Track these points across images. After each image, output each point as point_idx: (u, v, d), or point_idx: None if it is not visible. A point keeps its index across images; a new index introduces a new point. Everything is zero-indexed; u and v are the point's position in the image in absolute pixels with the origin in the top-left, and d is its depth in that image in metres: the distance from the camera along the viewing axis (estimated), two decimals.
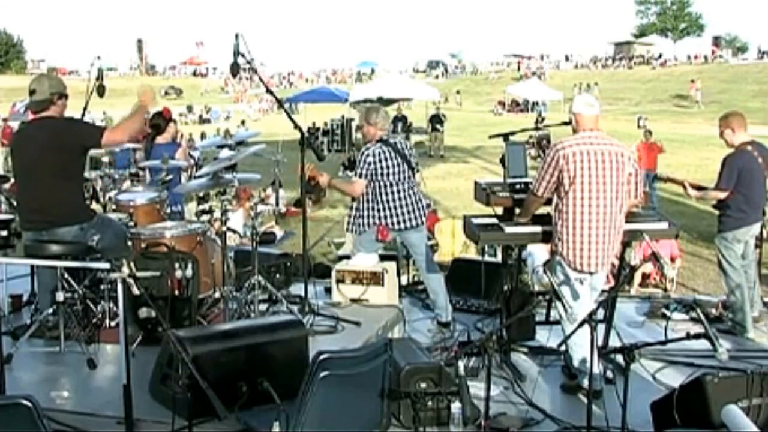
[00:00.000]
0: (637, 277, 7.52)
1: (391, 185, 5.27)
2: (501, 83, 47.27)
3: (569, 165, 4.14)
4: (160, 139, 7.03)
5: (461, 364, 3.36)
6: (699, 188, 5.74)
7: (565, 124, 4.55)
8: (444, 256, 8.39)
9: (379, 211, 5.28)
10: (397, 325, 5.20)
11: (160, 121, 7.11)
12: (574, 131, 4.32)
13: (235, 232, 7.61)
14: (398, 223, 5.31)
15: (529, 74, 50.07)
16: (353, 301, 5.23)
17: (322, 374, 3.10)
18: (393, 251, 6.49)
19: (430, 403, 3.72)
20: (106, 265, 3.49)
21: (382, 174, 5.23)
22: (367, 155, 5.21)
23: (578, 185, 4.13)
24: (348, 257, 5.82)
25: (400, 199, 5.30)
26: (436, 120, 23.31)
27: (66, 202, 4.51)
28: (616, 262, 4.93)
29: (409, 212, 5.33)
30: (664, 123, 28.55)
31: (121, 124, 4.71)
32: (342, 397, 3.24)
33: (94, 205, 5.25)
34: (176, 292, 4.57)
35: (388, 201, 5.28)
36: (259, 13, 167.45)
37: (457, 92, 45.52)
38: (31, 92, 4.57)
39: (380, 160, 5.22)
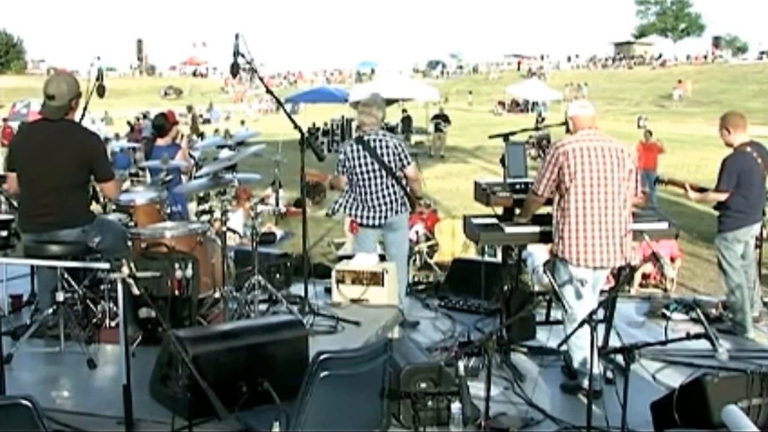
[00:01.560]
0: (637, 277, 7.51)
1: (358, 182, 5.43)
2: (501, 83, 47.26)
3: (569, 161, 4.15)
4: (160, 141, 7.05)
5: (461, 364, 3.36)
6: (700, 190, 5.74)
7: (564, 124, 4.55)
8: (444, 256, 8.40)
9: (351, 204, 5.54)
10: (397, 325, 5.20)
11: (164, 122, 7.13)
12: (573, 134, 4.33)
13: (235, 232, 7.61)
14: (361, 218, 5.49)
15: (530, 74, 50.16)
16: (353, 301, 5.23)
17: (322, 374, 3.10)
18: None
19: (430, 403, 3.73)
20: (106, 266, 3.48)
21: (350, 171, 5.45)
22: (339, 152, 5.55)
23: (579, 180, 4.14)
24: (348, 257, 5.83)
25: (363, 198, 5.44)
26: (440, 120, 23.32)
27: (72, 206, 4.50)
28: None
29: (368, 209, 5.44)
30: (664, 123, 28.53)
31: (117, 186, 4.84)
32: (342, 397, 3.24)
33: (94, 206, 5.24)
34: (176, 292, 4.56)
35: (356, 198, 5.49)
36: (259, 13, 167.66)
37: (469, 92, 45.71)
38: (50, 97, 4.41)
39: (348, 159, 5.44)
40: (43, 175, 4.44)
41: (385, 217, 5.42)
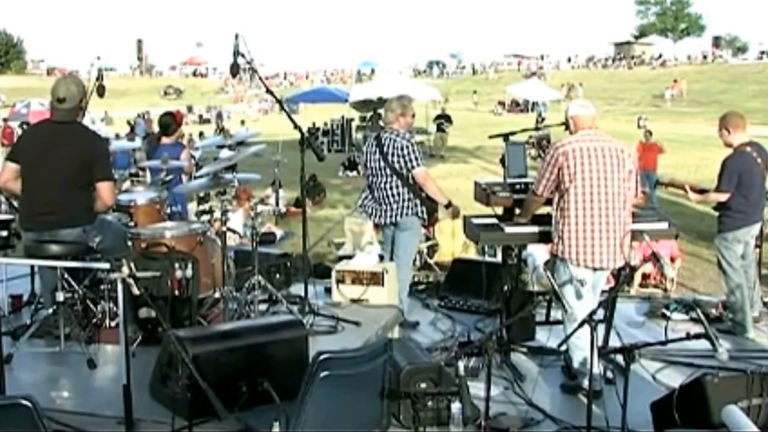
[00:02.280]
0: (637, 277, 7.51)
1: (369, 177, 5.54)
2: (501, 83, 47.26)
3: (569, 161, 4.15)
4: (165, 140, 7.09)
5: (461, 364, 3.36)
6: (700, 191, 5.73)
7: (564, 124, 4.55)
8: (444, 256, 8.39)
9: (367, 203, 5.59)
10: (397, 325, 5.20)
11: (171, 122, 7.16)
12: (573, 134, 4.33)
13: (235, 232, 7.61)
14: (373, 216, 5.56)
15: (530, 74, 50.22)
16: (353, 301, 5.23)
17: (322, 374, 3.10)
18: None
19: (430, 403, 3.73)
20: (106, 265, 3.49)
21: (364, 165, 5.59)
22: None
23: (579, 181, 4.14)
24: (348, 257, 5.83)
25: (374, 195, 5.50)
26: (442, 120, 23.32)
27: (74, 206, 4.50)
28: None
29: (379, 208, 5.47)
30: (663, 123, 28.53)
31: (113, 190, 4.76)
32: (342, 397, 3.24)
33: None
34: (176, 292, 4.56)
35: (372, 195, 5.55)
36: (259, 13, 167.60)
37: (474, 92, 45.71)
38: (61, 100, 4.42)
39: (364, 153, 5.58)
40: (45, 174, 4.47)
41: (391, 217, 5.41)
